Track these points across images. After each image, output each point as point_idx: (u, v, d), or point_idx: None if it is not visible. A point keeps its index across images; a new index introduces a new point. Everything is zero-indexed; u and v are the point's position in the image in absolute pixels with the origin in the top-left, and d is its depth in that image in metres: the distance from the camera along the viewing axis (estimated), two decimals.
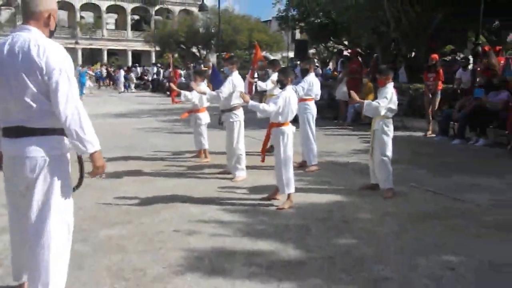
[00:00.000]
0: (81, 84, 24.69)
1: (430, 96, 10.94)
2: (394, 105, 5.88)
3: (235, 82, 6.66)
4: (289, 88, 5.55)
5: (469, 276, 3.68)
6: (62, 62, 2.77)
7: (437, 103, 10.95)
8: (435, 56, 11.47)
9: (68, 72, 2.78)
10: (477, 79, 10.66)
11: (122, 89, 29.29)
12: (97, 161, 2.91)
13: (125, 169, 7.31)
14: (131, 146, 9.50)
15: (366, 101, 5.98)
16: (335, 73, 17.43)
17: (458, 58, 13.36)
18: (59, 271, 2.94)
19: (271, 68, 8.31)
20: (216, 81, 10.69)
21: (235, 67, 6.91)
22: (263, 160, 5.79)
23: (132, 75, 31.61)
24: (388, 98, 5.77)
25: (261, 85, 8.04)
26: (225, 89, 6.61)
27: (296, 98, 5.62)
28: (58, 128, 2.84)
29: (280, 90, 5.59)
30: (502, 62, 11.10)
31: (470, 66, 12.13)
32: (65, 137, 2.90)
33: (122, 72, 30.52)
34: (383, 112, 5.83)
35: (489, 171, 7.30)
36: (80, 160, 3.08)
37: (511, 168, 7.58)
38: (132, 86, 30.45)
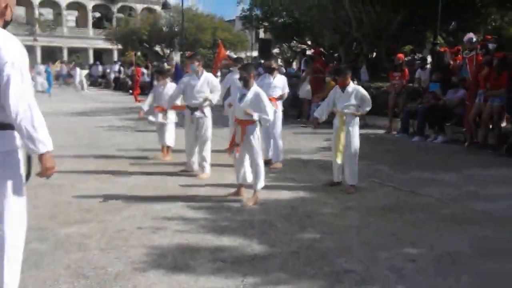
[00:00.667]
0: (49, 83, 23.84)
1: (395, 95, 11.19)
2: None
3: (215, 83, 6.85)
4: (255, 85, 5.56)
5: (429, 268, 3.76)
6: (15, 56, 2.61)
7: (401, 102, 11.21)
8: (401, 56, 11.76)
9: (22, 67, 2.63)
10: (432, 76, 10.98)
11: (79, 87, 28.37)
12: (48, 162, 2.76)
13: (85, 167, 7.16)
14: (92, 144, 9.31)
15: (365, 109, 6.13)
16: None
17: (417, 58, 13.68)
18: (13, 272, 2.83)
19: (236, 65, 8.29)
20: (179, 79, 10.64)
21: (201, 64, 6.88)
22: (229, 154, 5.76)
23: (81, 72, 29.65)
24: (369, 97, 6.02)
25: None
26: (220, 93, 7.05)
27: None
28: (8, 123, 2.67)
29: (243, 87, 5.55)
30: (459, 61, 11.45)
31: (429, 66, 12.44)
32: (16, 133, 2.73)
33: (78, 70, 29.51)
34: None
35: (446, 167, 7.51)
36: (28, 158, 2.93)
37: (467, 163, 7.81)
38: (85, 84, 28.95)
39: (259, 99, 5.42)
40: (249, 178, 5.69)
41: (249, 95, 5.43)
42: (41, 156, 2.73)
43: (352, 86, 6.06)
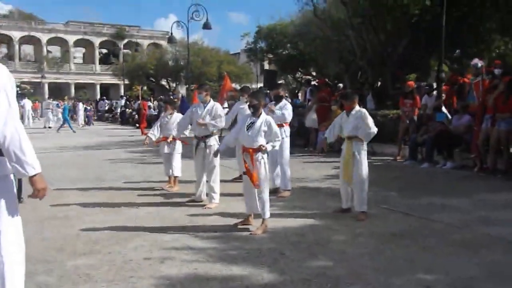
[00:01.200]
0: (66, 119, 23.55)
1: (408, 122, 11.22)
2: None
3: (218, 111, 6.87)
4: (263, 113, 5.58)
5: None
6: (2, 80, 2.67)
7: (411, 129, 11.23)
8: (411, 83, 11.84)
9: (8, 91, 2.67)
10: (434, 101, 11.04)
11: (82, 122, 28.45)
12: (38, 183, 2.78)
13: (93, 200, 7.14)
14: (99, 177, 9.32)
15: (367, 132, 5.97)
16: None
17: (423, 85, 13.74)
18: None
19: (243, 95, 8.35)
20: (185, 112, 10.71)
21: (209, 94, 6.94)
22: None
23: (82, 108, 29.42)
24: (371, 120, 5.94)
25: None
26: (227, 119, 7.19)
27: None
28: None
29: (252, 115, 5.56)
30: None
31: (435, 92, 12.48)
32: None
33: (81, 106, 29.75)
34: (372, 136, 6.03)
35: (456, 192, 7.44)
36: (19, 183, 2.97)
37: (477, 188, 7.73)
38: (80, 120, 28.41)
39: (270, 127, 5.49)
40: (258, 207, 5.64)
41: (258, 123, 5.45)
42: (31, 179, 2.75)
43: (357, 109, 6.04)
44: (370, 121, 5.97)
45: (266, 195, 5.46)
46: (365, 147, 6.12)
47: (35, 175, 2.75)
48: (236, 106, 8.64)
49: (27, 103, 27.56)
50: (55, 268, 4.29)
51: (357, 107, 6.07)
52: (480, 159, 9.22)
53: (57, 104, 27.48)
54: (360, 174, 6.00)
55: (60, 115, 25.27)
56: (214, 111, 6.82)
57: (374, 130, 6.00)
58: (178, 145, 8.06)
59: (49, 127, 25.46)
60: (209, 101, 6.90)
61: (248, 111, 5.99)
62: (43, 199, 2.89)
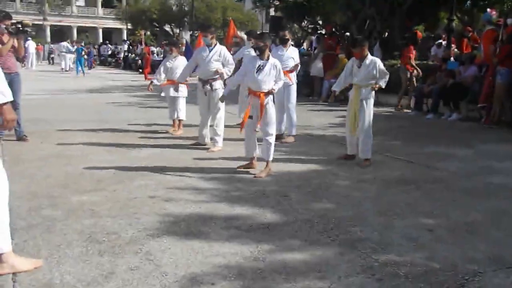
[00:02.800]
0: (80, 63, 23.13)
1: (417, 72, 11.07)
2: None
3: (228, 56, 6.74)
4: (271, 57, 5.49)
5: (445, 236, 3.71)
6: None
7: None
8: (419, 34, 11.63)
9: None
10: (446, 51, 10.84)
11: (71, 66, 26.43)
12: (7, 113, 2.78)
13: (96, 141, 7.15)
14: (103, 119, 9.29)
15: (386, 78, 5.93)
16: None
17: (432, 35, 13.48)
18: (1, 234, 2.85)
19: (249, 39, 8.18)
20: (189, 57, 10.53)
21: (214, 37, 6.78)
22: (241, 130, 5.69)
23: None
24: (382, 66, 5.90)
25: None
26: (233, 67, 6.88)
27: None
28: None
29: (260, 57, 5.44)
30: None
31: (444, 43, 12.25)
32: None
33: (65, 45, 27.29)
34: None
35: (462, 143, 7.42)
36: None
37: (482, 139, 7.71)
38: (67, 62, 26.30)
39: (278, 70, 5.49)
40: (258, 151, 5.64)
41: (268, 66, 5.37)
42: (0, 107, 2.74)
43: (370, 58, 5.93)
44: (386, 71, 5.97)
45: (272, 139, 5.45)
46: (372, 95, 6.04)
47: (5, 103, 2.73)
48: (241, 50, 8.49)
49: (31, 44, 26.98)
50: (60, 203, 4.32)
51: (369, 56, 5.94)
52: (489, 110, 9.11)
53: (70, 46, 26.66)
54: (366, 121, 5.96)
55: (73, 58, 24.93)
56: (223, 56, 6.67)
57: (387, 80, 5.99)
58: (184, 89, 7.97)
59: (66, 70, 25.14)
60: (215, 44, 6.74)
61: (253, 54, 5.89)
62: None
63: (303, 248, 3.47)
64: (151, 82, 8.03)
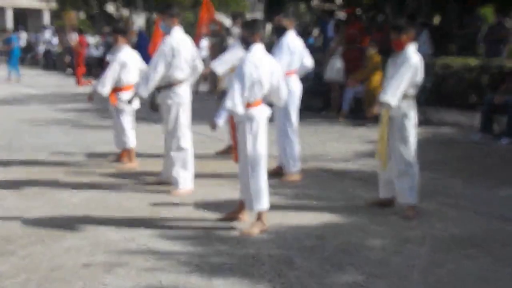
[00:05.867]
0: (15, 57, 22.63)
1: None
2: (419, 77, 5.95)
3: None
4: (258, 47, 5.51)
5: None
6: None
7: None
8: None
9: None
10: None
11: None
12: None
13: (4, 177, 7.15)
14: (14, 146, 9.30)
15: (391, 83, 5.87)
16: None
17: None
18: None
19: (235, 23, 8.24)
20: (144, 52, 10.57)
21: (176, 22, 6.83)
22: (236, 159, 5.70)
23: None
24: (412, 66, 5.84)
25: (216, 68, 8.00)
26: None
27: (265, 63, 5.56)
28: None
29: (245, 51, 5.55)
30: None
31: None
32: None
33: None
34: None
35: None
36: None
37: None
38: None
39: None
40: None
41: None
42: None
43: (408, 51, 5.95)
44: (409, 64, 5.87)
45: (260, 181, 5.45)
46: (412, 110, 6.02)
47: None
48: (233, 51, 8.44)
49: None
50: None
51: (410, 48, 5.97)
52: None
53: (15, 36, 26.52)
54: (404, 150, 5.97)
55: None
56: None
57: (400, 85, 5.83)
58: (133, 100, 7.98)
59: None
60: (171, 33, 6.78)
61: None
62: None
63: None
64: (94, 89, 8.04)
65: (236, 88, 5.24)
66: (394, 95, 5.77)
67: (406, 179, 5.97)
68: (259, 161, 5.44)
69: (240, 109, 5.22)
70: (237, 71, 5.42)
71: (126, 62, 7.87)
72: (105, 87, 7.82)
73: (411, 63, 5.88)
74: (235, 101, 5.21)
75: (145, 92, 6.54)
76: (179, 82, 6.74)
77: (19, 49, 24.09)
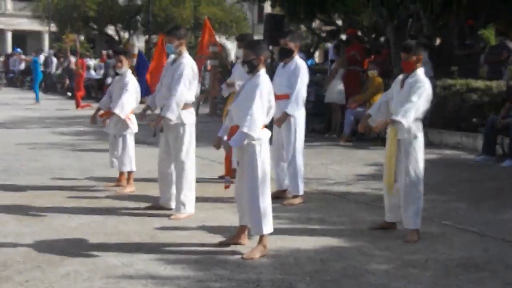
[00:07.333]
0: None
1: None
2: (427, 101, 5.99)
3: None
4: (262, 73, 5.52)
5: None
6: None
7: None
8: None
9: None
10: None
11: None
12: None
13: (2, 202, 7.14)
14: (11, 169, 9.30)
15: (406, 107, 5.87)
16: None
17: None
18: None
19: (241, 46, 8.23)
20: (144, 74, 10.61)
21: (184, 44, 6.83)
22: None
23: None
24: (427, 89, 5.90)
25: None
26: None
27: (271, 86, 5.58)
28: None
29: (248, 75, 5.56)
30: None
31: None
32: None
33: None
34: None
35: None
36: None
37: None
38: None
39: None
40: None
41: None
42: None
43: (417, 73, 5.99)
44: (420, 88, 5.89)
45: (265, 203, 5.43)
46: (420, 133, 6.05)
47: None
48: (237, 72, 8.44)
49: None
50: None
51: (418, 71, 5.99)
52: None
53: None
54: (412, 173, 5.98)
55: None
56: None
57: (417, 108, 5.86)
58: (132, 124, 8.00)
59: None
60: (182, 55, 6.77)
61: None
62: None
63: None
64: (98, 109, 8.05)
65: (255, 112, 5.27)
66: (408, 116, 5.78)
67: (412, 204, 5.96)
68: (267, 182, 5.48)
69: (257, 134, 5.27)
70: (254, 95, 5.38)
71: (136, 86, 7.93)
72: (124, 111, 7.80)
73: (426, 87, 5.92)
74: (254, 126, 5.24)
75: (174, 117, 6.48)
76: (191, 104, 6.79)
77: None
